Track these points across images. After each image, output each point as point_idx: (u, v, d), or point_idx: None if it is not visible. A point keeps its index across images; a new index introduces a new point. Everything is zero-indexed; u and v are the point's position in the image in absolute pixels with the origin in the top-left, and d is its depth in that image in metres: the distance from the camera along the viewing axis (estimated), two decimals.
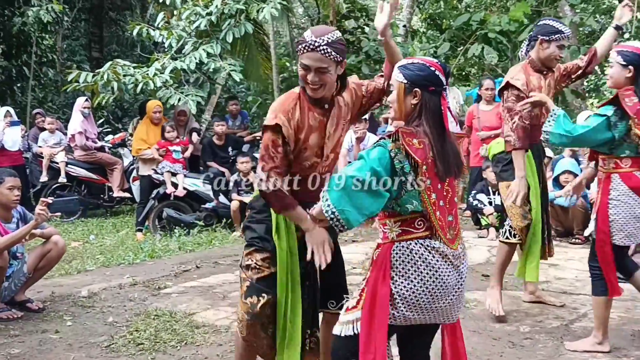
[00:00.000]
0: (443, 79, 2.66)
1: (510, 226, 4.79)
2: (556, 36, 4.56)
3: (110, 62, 9.59)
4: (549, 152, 7.98)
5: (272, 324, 3.12)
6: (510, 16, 8.73)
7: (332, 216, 2.57)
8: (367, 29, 13.32)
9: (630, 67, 4.02)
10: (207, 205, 8.99)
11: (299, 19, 18.27)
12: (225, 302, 5.40)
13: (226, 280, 6.15)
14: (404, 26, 15.33)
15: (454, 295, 2.67)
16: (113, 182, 10.28)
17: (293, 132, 3.00)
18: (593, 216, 4.39)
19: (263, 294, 3.08)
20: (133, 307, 5.33)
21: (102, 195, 10.46)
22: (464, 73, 13.39)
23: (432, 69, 2.65)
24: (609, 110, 3.99)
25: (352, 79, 3.33)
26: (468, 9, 14.08)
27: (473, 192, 8.41)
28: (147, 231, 8.78)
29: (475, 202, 8.23)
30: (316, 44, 2.90)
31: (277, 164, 2.97)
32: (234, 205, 8.49)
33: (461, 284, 2.71)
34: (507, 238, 4.83)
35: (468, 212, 8.82)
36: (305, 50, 2.93)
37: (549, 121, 4.10)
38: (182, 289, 5.86)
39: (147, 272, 6.53)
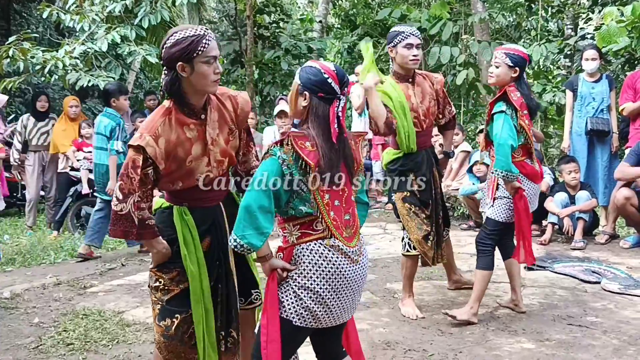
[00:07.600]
0: (337, 87, 2.70)
1: (409, 239, 4.80)
2: (398, 38, 4.58)
3: (15, 36, 9.05)
4: (466, 146, 8.27)
5: (189, 336, 3.05)
6: (430, 14, 8.94)
7: (235, 244, 2.65)
8: (282, 24, 13.37)
9: (517, 67, 4.47)
10: None
11: (210, 14, 18.11)
12: None
13: None
14: (320, 22, 15.51)
15: (355, 289, 2.76)
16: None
17: (163, 151, 2.84)
18: (488, 200, 4.70)
19: (176, 315, 3.01)
20: (59, 307, 5.21)
21: (15, 194, 10.08)
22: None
23: (326, 76, 2.69)
24: (503, 106, 4.41)
25: (244, 95, 3.20)
26: (380, 5, 14.35)
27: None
28: (65, 229, 8.54)
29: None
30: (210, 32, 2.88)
31: (134, 187, 2.80)
32: (156, 201, 8.31)
33: (361, 277, 2.79)
34: (407, 251, 4.84)
35: (390, 205, 8.94)
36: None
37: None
38: (109, 287, 5.76)
39: (71, 271, 6.38)
